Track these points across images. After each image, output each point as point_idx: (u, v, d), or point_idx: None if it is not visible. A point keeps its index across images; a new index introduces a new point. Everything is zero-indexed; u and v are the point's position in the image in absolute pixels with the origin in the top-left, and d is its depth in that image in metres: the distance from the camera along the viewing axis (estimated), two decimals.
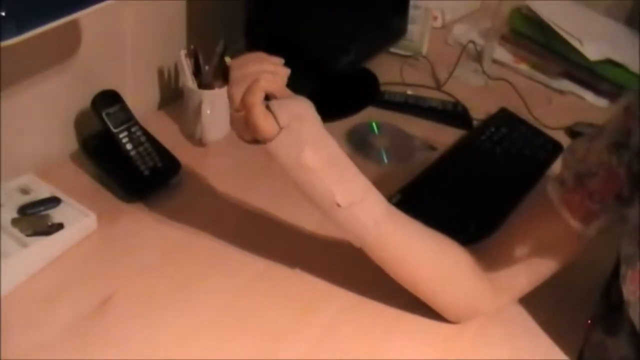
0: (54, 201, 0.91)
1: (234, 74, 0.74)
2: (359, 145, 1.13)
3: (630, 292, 0.73)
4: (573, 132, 1.24)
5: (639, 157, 0.72)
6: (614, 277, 0.96)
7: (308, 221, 0.95)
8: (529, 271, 0.81)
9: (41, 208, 0.90)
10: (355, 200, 0.75)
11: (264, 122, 0.72)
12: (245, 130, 0.74)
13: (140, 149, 0.97)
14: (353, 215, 0.75)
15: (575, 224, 0.77)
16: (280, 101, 0.74)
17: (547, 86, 1.40)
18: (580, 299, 0.91)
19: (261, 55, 0.75)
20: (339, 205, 0.74)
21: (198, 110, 1.04)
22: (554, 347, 0.85)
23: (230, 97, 0.74)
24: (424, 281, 0.82)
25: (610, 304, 0.92)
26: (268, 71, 0.73)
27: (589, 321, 0.88)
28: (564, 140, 1.21)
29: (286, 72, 0.75)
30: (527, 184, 1.07)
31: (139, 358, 0.76)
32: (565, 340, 0.86)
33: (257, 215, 0.97)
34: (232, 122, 0.76)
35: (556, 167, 1.12)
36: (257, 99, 0.71)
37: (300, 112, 0.74)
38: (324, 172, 0.74)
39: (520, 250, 0.80)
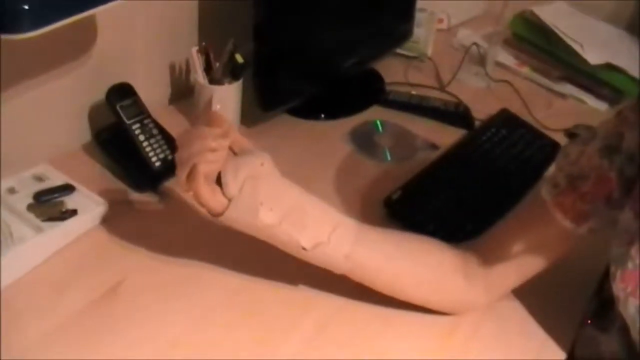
0: (68, 189, 0.95)
1: (178, 155, 0.75)
2: (363, 144, 1.16)
3: (620, 289, 0.75)
4: (572, 135, 1.26)
5: (631, 161, 0.74)
6: (606, 276, 0.98)
7: None
8: (520, 269, 0.84)
9: (55, 195, 0.93)
10: (322, 241, 0.78)
11: (212, 200, 0.74)
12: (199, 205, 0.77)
13: (152, 140, 1.00)
14: (322, 254, 0.78)
15: (567, 224, 0.79)
16: (233, 165, 0.76)
17: (548, 89, 1.42)
18: (572, 297, 0.93)
19: (202, 132, 0.75)
20: (305, 249, 0.77)
21: (208, 105, 1.08)
22: (547, 342, 0.87)
23: (176, 177, 0.76)
24: (408, 292, 0.85)
25: (603, 302, 0.94)
26: (210, 149, 0.73)
27: (589, 321, 0.90)
28: (563, 142, 1.23)
29: (227, 144, 0.76)
30: (526, 185, 1.08)
31: (148, 345, 0.79)
32: (558, 336, 0.88)
33: None
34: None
35: (551, 169, 1.16)
36: (199, 183, 0.73)
37: (254, 171, 0.76)
38: (285, 224, 0.76)
39: (513, 248, 0.82)
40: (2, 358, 0.74)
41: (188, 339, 0.81)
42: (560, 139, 1.25)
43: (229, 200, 0.75)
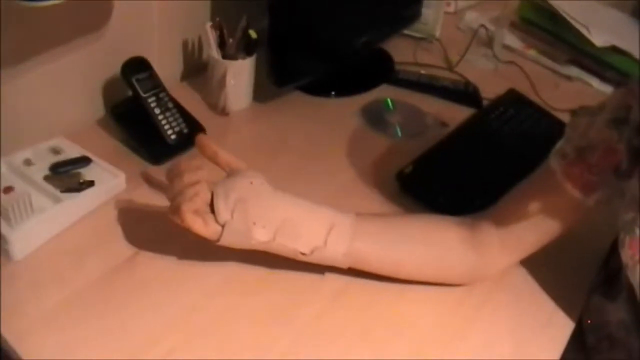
0: (84, 161, 0.95)
1: (167, 196, 0.79)
2: (374, 120, 1.18)
3: (629, 257, 0.76)
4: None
5: (638, 132, 0.75)
6: (614, 248, 1.00)
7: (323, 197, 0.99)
8: (537, 232, 0.85)
9: (72, 167, 0.94)
10: (318, 245, 0.80)
11: (205, 231, 0.76)
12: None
13: (168, 114, 1.02)
14: (320, 256, 0.81)
15: (576, 194, 0.80)
16: (223, 189, 0.78)
17: (554, 72, 1.43)
18: (580, 268, 0.95)
19: (179, 169, 0.79)
20: (304, 254, 0.80)
21: (222, 81, 1.09)
22: (556, 311, 0.89)
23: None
24: (413, 275, 0.87)
25: (610, 272, 0.96)
26: (190, 186, 0.77)
27: (588, 321, 0.91)
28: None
29: (204, 174, 0.79)
30: (533, 161, 1.10)
31: (167, 309, 0.81)
32: (567, 305, 0.90)
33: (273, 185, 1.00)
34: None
35: (560, 141, 1.17)
36: (188, 221, 0.75)
37: (243, 192, 0.78)
38: (279, 238, 0.79)
39: (528, 214, 0.84)
40: (21, 325, 0.76)
41: (206, 304, 0.82)
42: (566, 119, 1.25)
43: (223, 226, 0.77)
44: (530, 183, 0.87)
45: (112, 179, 0.95)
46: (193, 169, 0.79)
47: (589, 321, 0.92)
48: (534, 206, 0.84)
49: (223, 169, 0.83)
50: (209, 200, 0.78)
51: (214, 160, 0.83)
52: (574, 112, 1.25)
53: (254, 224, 0.78)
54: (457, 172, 1.05)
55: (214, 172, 0.82)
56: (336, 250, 0.81)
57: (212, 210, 0.77)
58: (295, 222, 0.80)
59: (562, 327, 0.88)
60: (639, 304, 0.79)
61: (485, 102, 1.27)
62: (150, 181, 0.96)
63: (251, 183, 0.80)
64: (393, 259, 0.85)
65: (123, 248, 0.88)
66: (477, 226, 0.87)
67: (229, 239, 0.78)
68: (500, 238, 0.86)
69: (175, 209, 0.76)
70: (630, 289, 0.83)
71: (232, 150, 1.05)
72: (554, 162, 0.83)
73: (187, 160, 0.80)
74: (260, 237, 0.79)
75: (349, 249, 0.81)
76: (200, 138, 0.85)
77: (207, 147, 0.83)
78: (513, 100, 1.26)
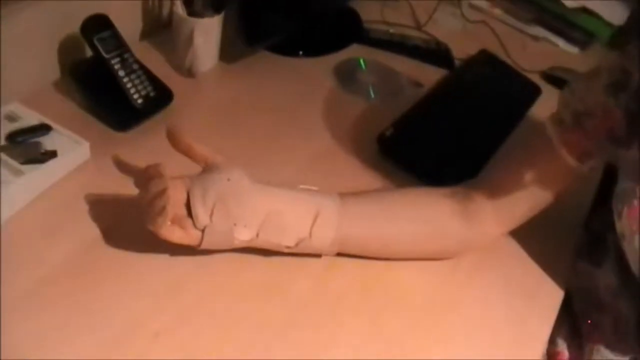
0: (44, 128, 0.87)
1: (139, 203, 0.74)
2: (347, 81, 1.13)
3: (626, 227, 0.75)
4: (548, 76, 1.27)
5: (636, 97, 0.74)
6: (593, 210, 1.00)
7: (301, 165, 0.96)
8: (530, 199, 0.83)
9: (31, 135, 0.86)
10: (303, 237, 0.77)
11: (186, 239, 0.72)
12: None
13: (133, 76, 0.94)
14: (306, 248, 0.78)
15: (572, 161, 0.79)
16: (200, 188, 0.73)
17: (521, 32, 1.42)
18: (565, 234, 0.95)
19: (141, 183, 0.74)
20: (288, 247, 0.77)
21: (189, 40, 1.02)
22: (544, 279, 0.89)
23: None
24: (402, 253, 0.85)
25: (591, 236, 0.96)
26: (157, 196, 0.71)
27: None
28: (540, 83, 1.24)
29: (166, 182, 0.72)
30: (510, 124, 1.10)
31: (154, 285, 0.76)
32: (554, 273, 0.89)
33: (248, 152, 0.95)
34: None
35: (536, 109, 1.16)
36: (164, 235, 0.71)
37: (221, 191, 0.74)
38: (262, 235, 0.75)
39: (521, 180, 0.82)
40: None
41: (193, 281, 0.77)
42: (536, 80, 1.25)
43: (203, 230, 0.72)
44: (523, 150, 0.86)
45: (75, 148, 0.87)
46: (156, 180, 0.72)
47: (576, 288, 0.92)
48: (528, 175, 0.82)
49: (198, 163, 0.77)
50: (184, 201, 0.73)
51: (187, 154, 0.78)
52: (545, 74, 1.26)
53: (235, 224, 0.74)
54: (438, 135, 1.03)
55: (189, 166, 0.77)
56: (322, 241, 0.78)
57: (189, 212, 0.73)
58: (278, 215, 0.76)
59: (552, 295, 0.87)
60: (626, 268, 0.79)
61: (456, 63, 1.24)
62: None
63: (228, 180, 0.75)
64: (382, 242, 0.83)
65: (95, 222, 0.81)
66: (469, 197, 0.85)
67: (211, 243, 0.74)
68: (494, 208, 0.84)
69: (150, 222, 0.70)
70: (618, 254, 0.83)
71: (203, 114, 1.01)
72: (550, 128, 0.81)
73: (153, 166, 0.74)
74: (243, 237, 0.75)
75: (335, 238, 0.78)
76: (171, 130, 0.78)
77: (179, 140, 0.77)
78: (486, 60, 1.24)
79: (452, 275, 0.86)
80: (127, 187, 0.84)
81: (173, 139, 0.78)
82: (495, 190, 0.84)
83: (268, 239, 0.76)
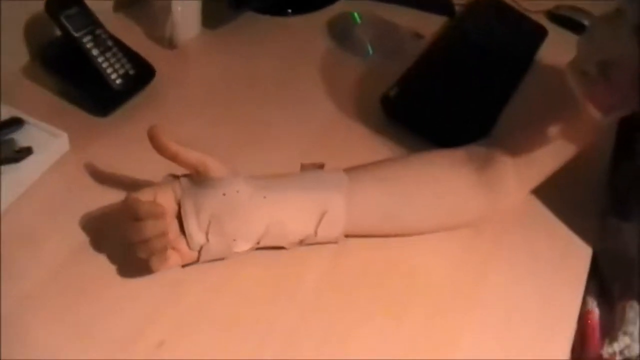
0: (15, 123, 0.79)
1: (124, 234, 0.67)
2: (342, 37, 1.05)
3: None
4: (554, 16, 1.19)
5: None
6: (615, 163, 0.94)
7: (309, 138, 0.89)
8: (552, 157, 0.78)
9: (2, 132, 0.78)
10: (309, 234, 0.72)
11: (182, 262, 0.69)
12: None
13: (108, 54, 0.85)
14: (314, 241, 0.73)
15: (597, 115, 0.73)
16: (192, 205, 0.68)
17: None
18: (589, 190, 0.89)
19: (139, 215, 0.65)
20: (291, 243, 0.73)
21: (167, 7, 0.93)
22: (573, 239, 0.83)
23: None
24: (423, 229, 0.79)
25: (618, 192, 0.90)
26: (156, 238, 0.66)
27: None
28: (546, 24, 1.15)
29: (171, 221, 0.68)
30: (518, 70, 1.03)
31: (144, 301, 0.69)
32: (582, 231, 0.84)
33: (241, 130, 0.88)
34: None
35: (544, 52, 1.09)
36: (164, 265, 0.66)
37: (217, 207, 0.68)
38: (264, 241, 0.71)
39: (543, 138, 0.77)
40: None
41: (195, 284, 0.70)
42: (542, 20, 1.17)
43: (199, 250, 0.68)
44: (543, 105, 0.80)
45: (53, 141, 0.80)
46: (157, 215, 0.66)
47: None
48: (550, 131, 0.76)
49: (187, 170, 0.69)
50: (175, 212, 0.68)
51: (174, 161, 0.68)
52: (551, 14, 1.18)
53: (234, 240, 0.70)
54: (445, 90, 0.95)
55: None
56: (329, 237, 0.73)
57: (180, 225, 0.68)
58: (279, 225, 0.71)
59: (581, 256, 0.82)
60: None
61: (456, 8, 1.15)
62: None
63: (224, 195, 0.68)
64: (397, 227, 0.77)
65: (81, 224, 0.73)
66: (488, 160, 0.79)
67: (207, 256, 0.70)
68: (516, 169, 0.79)
69: (145, 256, 0.65)
70: None
71: (190, 91, 0.93)
72: (573, 81, 0.74)
73: (149, 204, 0.65)
74: (241, 248, 0.71)
75: (343, 231, 0.73)
76: (154, 133, 0.66)
77: (164, 147, 0.66)
78: (487, 3, 1.15)
79: (472, 248, 0.80)
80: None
81: (157, 145, 0.67)
82: (516, 149, 0.78)
83: (272, 242, 0.72)
